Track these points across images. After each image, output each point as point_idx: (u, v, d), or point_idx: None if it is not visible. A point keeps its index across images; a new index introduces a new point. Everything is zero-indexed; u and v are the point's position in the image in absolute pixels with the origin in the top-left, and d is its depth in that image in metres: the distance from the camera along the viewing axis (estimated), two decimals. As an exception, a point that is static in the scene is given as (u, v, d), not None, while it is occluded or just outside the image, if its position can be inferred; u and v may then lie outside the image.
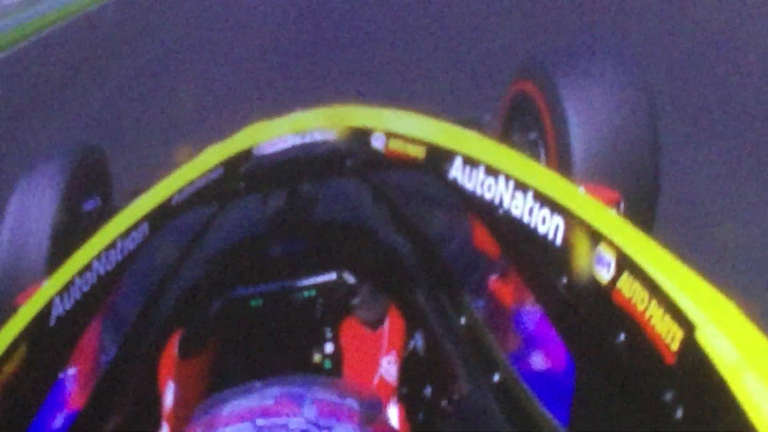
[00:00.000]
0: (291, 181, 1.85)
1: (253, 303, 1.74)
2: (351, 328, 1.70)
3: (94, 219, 2.36)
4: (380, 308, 1.67)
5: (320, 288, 1.74)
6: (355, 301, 1.69)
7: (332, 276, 1.74)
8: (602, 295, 1.13)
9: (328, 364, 1.69)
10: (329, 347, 1.70)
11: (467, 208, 1.61)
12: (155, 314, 1.68)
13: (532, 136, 2.26)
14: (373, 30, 7.91)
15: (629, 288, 1.07)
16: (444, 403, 1.44)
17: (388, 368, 1.60)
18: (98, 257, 1.64)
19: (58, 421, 1.39)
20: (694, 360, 0.90)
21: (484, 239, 1.58)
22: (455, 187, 1.60)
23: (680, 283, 1.00)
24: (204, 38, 9.79)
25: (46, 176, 2.36)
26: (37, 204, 2.28)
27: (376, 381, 1.60)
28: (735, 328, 0.91)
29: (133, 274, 1.71)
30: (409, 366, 1.58)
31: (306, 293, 1.74)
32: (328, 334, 1.71)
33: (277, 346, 1.70)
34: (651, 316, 1.00)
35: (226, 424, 0.96)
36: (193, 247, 1.82)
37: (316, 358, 1.70)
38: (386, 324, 1.64)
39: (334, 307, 1.72)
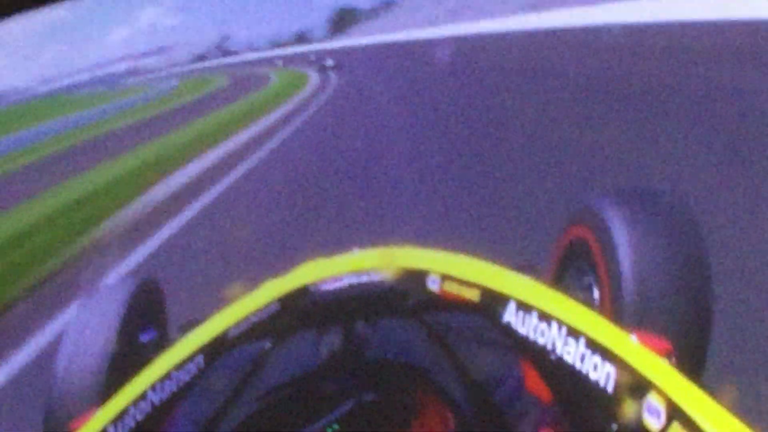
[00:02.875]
0: (346, 320, 1.88)
1: None
2: None
3: (150, 350, 2.39)
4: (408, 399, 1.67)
5: (342, 420, 1.73)
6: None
7: (350, 403, 1.74)
8: None
9: None
10: None
11: (520, 352, 1.62)
12: None
13: (586, 280, 2.28)
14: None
15: None
16: None
17: None
18: (153, 387, 1.66)
19: None
20: None
21: (536, 384, 1.58)
22: (508, 331, 1.61)
23: None
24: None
25: (104, 306, 2.43)
26: (95, 333, 2.32)
27: None
28: None
29: (187, 405, 1.73)
30: None
31: (329, 430, 1.73)
32: None
33: None
34: None
35: None
36: (247, 382, 1.84)
37: None
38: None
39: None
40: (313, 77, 34.99)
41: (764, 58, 10.83)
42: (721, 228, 4.19)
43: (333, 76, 33.01)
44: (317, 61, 42.71)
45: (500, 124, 11.09)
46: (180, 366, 1.73)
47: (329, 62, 40.18)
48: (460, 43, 33.62)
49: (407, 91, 19.44)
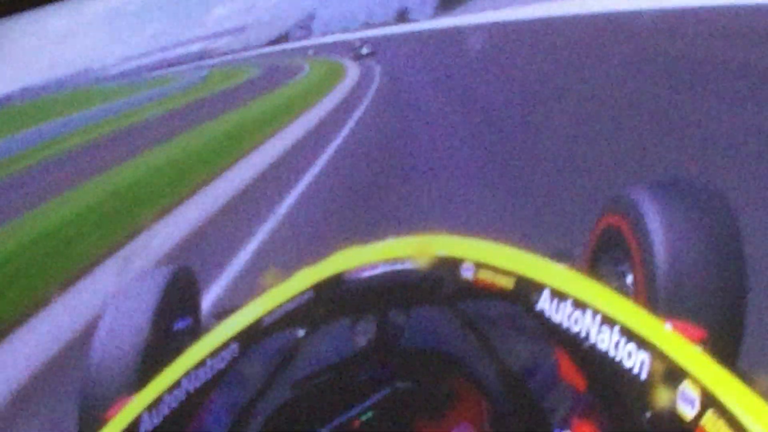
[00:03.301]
0: (380, 308, 1.88)
1: None
2: None
3: (184, 338, 2.41)
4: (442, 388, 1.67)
5: (376, 408, 1.73)
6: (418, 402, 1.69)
7: (385, 391, 1.74)
8: None
9: None
10: None
11: (554, 340, 1.61)
12: None
13: (620, 268, 2.26)
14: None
15: (713, 426, 1.08)
16: None
17: None
18: (188, 375, 1.68)
19: None
20: None
21: (570, 372, 1.58)
22: (542, 319, 1.60)
23: (765, 423, 1.00)
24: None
25: (139, 294, 2.44)
26: (129, 321, 2.34)
27: None
28: None
29: (222, 393, 1.74)
30: None
31: (363, 417, 1.73)
32: None
33: None
34: None
35: None
36: (281, 369, 1.85)
37: None
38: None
39: (401, 420, 1.71)
40: (351, 69, 33.03)
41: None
42: (758, 215, 4.12)
43: (376, 69, 30.14)
44: (358, 48, 41.39)
45: (537, 111, 11.03)
46: (215, 354, 1.75)
47: (365, 50, 39.18)
48: (497, 29, 33.15)
49: (453, 82, 19.05)
